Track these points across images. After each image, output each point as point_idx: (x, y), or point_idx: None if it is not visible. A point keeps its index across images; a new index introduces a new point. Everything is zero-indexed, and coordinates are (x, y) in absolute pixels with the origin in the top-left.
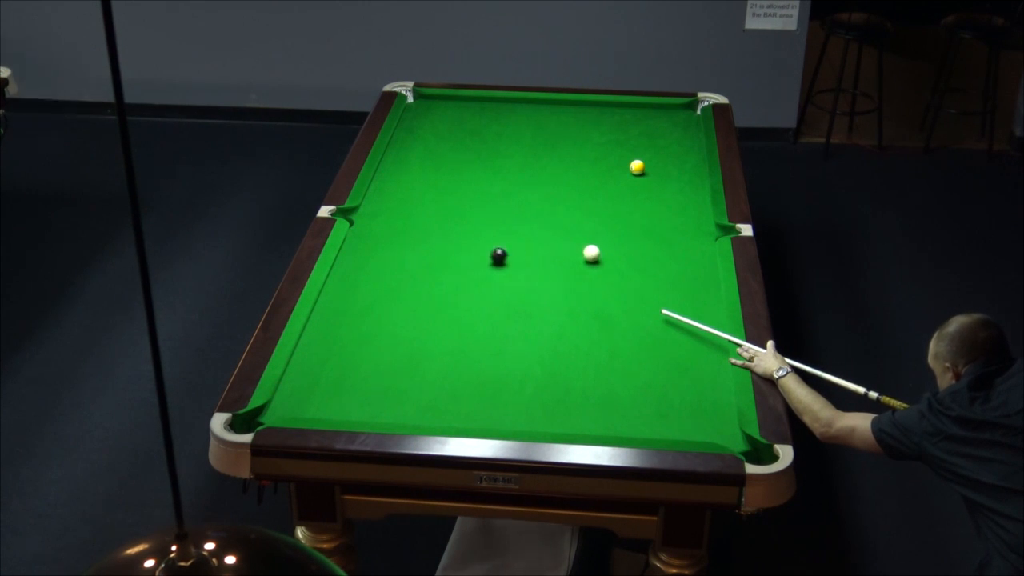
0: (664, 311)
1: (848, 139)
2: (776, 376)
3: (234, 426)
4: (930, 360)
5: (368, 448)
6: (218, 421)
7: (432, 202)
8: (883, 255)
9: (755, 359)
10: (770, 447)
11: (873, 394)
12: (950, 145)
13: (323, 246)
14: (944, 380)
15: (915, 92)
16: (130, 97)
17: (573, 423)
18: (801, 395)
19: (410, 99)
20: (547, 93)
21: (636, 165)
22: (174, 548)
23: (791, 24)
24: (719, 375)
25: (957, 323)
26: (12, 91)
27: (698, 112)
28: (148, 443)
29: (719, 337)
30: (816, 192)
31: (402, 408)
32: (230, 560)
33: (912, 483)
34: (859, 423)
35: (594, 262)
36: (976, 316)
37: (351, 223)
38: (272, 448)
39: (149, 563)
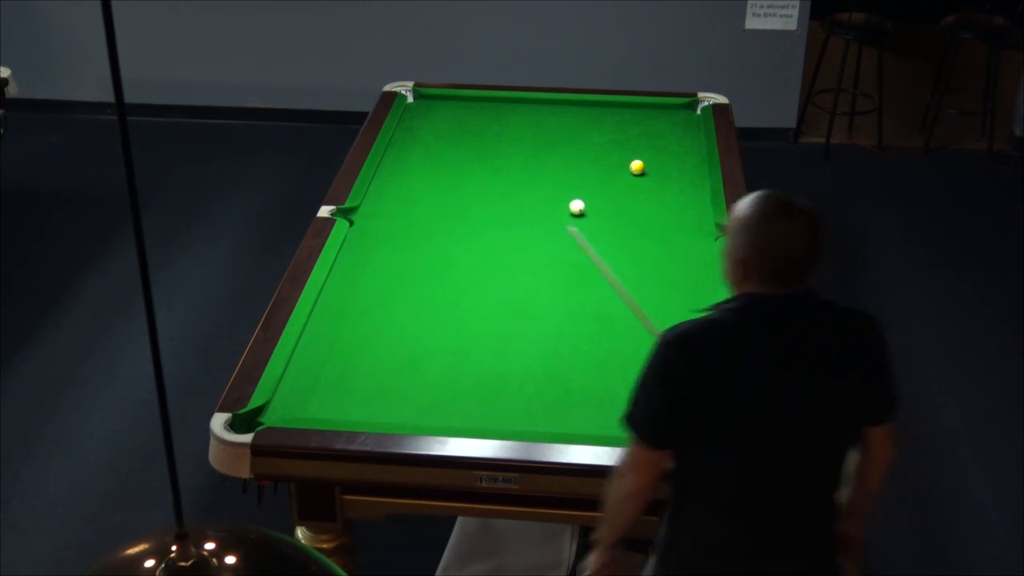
0: (568, 228)
1: (848, 139)
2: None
3: (234, 426)
4: None
5: (368, 448)
6: (218, 421)
7: (432, 202)
8: (883, 255)
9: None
10: None
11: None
12: (950, 145)
13: (323, 246)
14: None
15: (915, 92)
16: (130, 97)
17: (573, 423)
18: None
19: (410, 99)
20: (547, 93)
21: (636, 165)
22: (174, 548)
23: (791, 24)
24: None
25: None
26: (12, 91)
27: (698, 112)
28: (148, 443)
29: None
30: (816, 192)
31: (402, 408)
32: (230, 560)
33: (912, 483)
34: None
35: (579, 215)
36: None
37: (351, 223)
38: (272, 448)
39: (149, 563)
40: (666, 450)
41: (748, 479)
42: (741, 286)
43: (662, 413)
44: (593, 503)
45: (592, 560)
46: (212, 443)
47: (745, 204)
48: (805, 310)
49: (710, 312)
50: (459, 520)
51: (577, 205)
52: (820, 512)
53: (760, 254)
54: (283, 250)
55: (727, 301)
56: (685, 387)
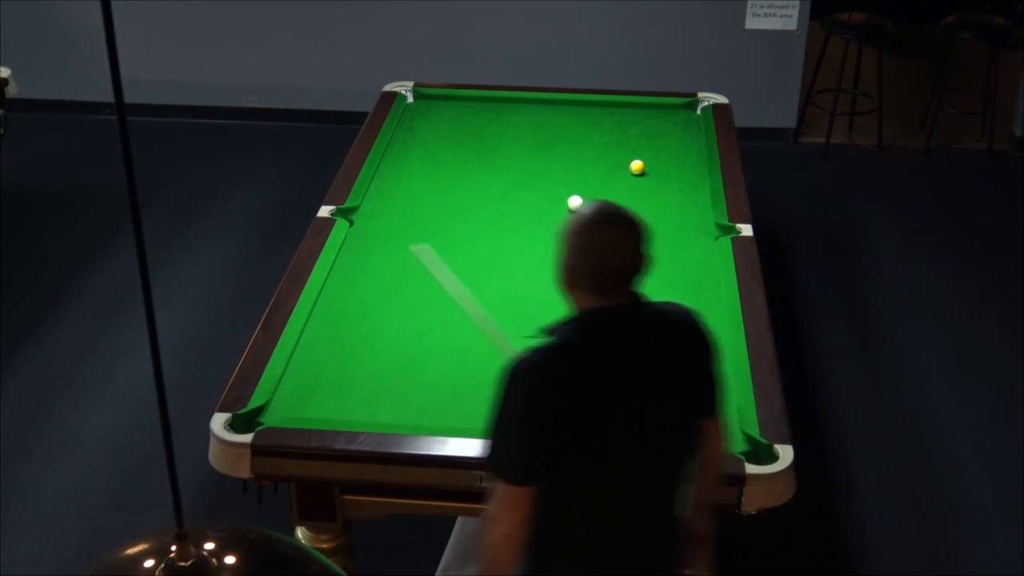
0: (413, 247)
1: (848, 139)
2: None
3: (234, 426)
4: None
5: (368, 448)
6: (218, 421)
7: (432, 202)
8: (883, 255)
9: None
10: (770, 447)
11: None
12: (950, 145)
13: (323, 246)
14: None
15: (915, 92)
16: (130, 97)
17: None
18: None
19: (410, 99)
20: (547, 93)
21: (636, 165)
22: (174, 548)
23: (791, 24)
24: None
25: None
26: (12, 91)
27: (698, 112)
28: (148, 443)
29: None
30: (816, 192)
31: (402, 408)
32: (230, 560)
33: (912, 483)
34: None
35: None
36: None
37: (351, 223)
38: (272, 448)
39: (149, 563)
40: (535, 486)
41: (614, 495)
42: (572, 293)
43: (526, 448)
44: None
45: None
46: (212, 443)
47: (578, 213)
48: (638, 319)
49: (551, 336)
50: (459, 520)
51: (575, 202)
52: (674, 512)
53: (586, 260)
54: (283, 250)
55: (566, 321)
56: (545, 417)
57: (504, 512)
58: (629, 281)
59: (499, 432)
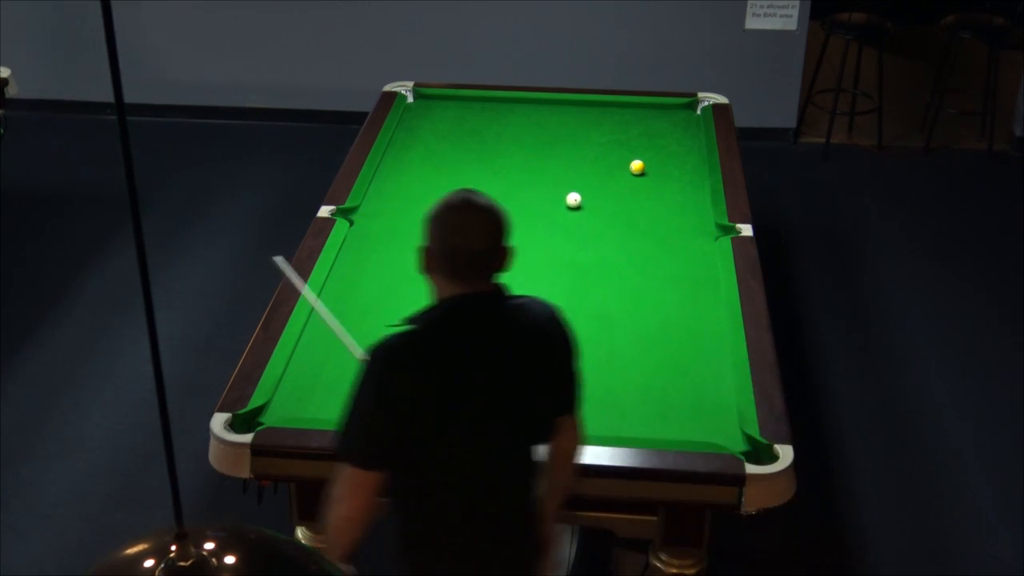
0: (273, 258)
1: (848, 139)
2: None
3: (234, 426)
4: None
5: None
6: (218, 421)
7: (432, 202)
8: (883, 255)
9: None
10: (770, 447)
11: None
12: (950, 145)
13: (323, 246)
14: None
15: (915, 92)
16: (130, 97)
17: None
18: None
19: (410, 99)
20: (547, 93)
21: (636, 165)
22: (174, 548)
23: (791, 24)
24: (719, 375)
25: None
26: (12, 91)
27: (698, 112)
28: (148, 443)
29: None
30: (816, 192)
31: None
32: (230, 560)
33: (912, 483)
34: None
35: (576, 208)
36: None
37: (351, 223)
38: (272, 448)
39: (149, 563)
40: (383, 471)
41: (461, 485)
42: (431, 277)
43: (378, 433)
44: (593, 503)
45: None
46: (212, 443)
47: (440, 200)
48: (495, 310)
49: (411, 324)
50: None
51: (574, 198)
52: (527, 503)
53: (440, 243)
54: (283, 250)
55: (426, 310)
56: (394, 404)
57: (348, 494)
58: (485, 270)
59: (350, 416)
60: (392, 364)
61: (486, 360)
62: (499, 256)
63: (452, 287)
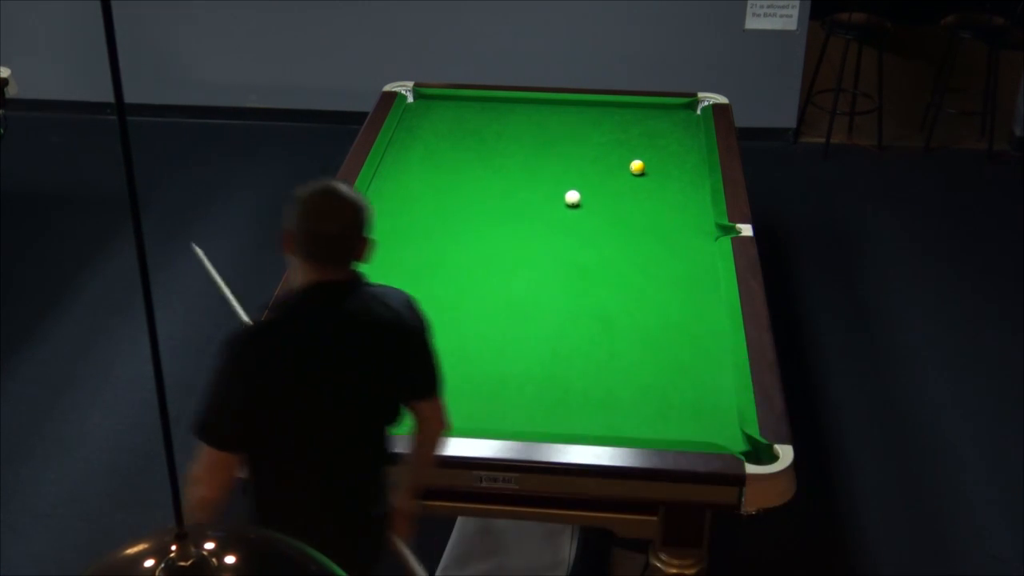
0: (192, 245)
1: (848, 139)
2: None
3: None
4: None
5: None
6: None
7: (432, 202)
8: (883, 255)
9: None
10: (770, 447)
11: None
12: (950, 145)
13: None
14: None
15: (915, 92)
16: (130, 97)
17: (573, 423)
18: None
19: (410, 99)
20: (547, 93)
21: (636, 165)
22: (174, 548)
23: (791, 24)
24: (719, 375)
25: None
26: (12, 91)
27: (698, 112)
28: (148, 443)
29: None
30: (816, 192)
31: None
32: (230, 560)
33: (912, 483)
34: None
35: (575, 206)
36: None
37: None
38: None
39: (149, 563)
40: (238, 451)
41: (313, 464)
42: (292, 261)
43: (233, 415)
44: (593, 503)
45: None
46: None
47: (304, 185)
48: (349, 297)
49: (271, 310)
50: (459, 520)
51: (573, 196)
52: (375, 484)
53: (298, 225)
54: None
55: (283, 297)
56: (249, 386)
57: (205, 475)
58: (341, 256)
59: (207, 398)
60: (244, 348)
61: (335, 346)
62: (355, 244)
63: (309, 272)
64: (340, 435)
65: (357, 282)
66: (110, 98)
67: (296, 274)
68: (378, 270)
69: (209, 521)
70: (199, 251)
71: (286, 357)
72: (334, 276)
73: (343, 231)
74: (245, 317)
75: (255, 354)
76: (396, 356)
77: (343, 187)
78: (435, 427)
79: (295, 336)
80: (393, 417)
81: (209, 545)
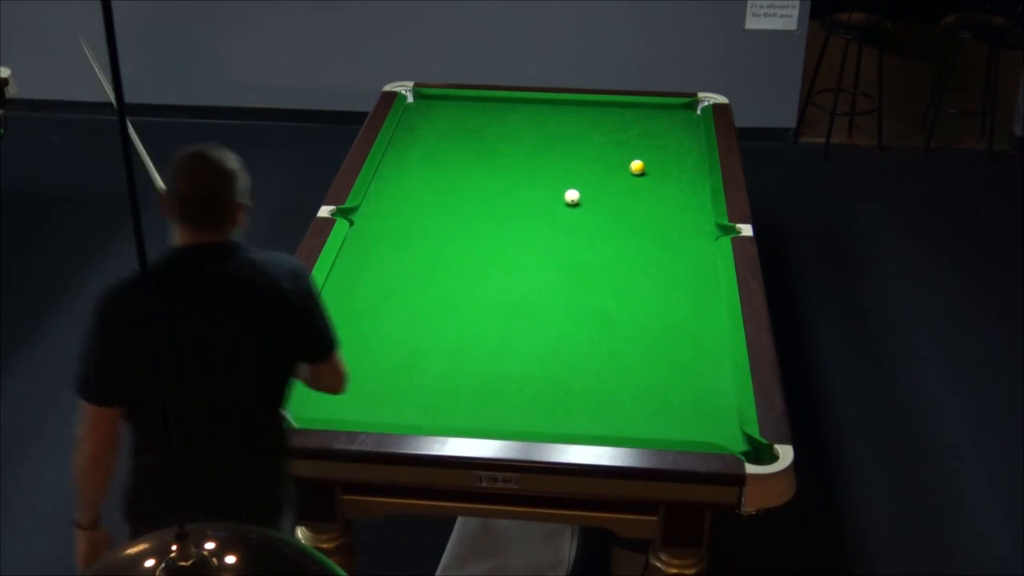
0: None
1: (848, 139)
2: None
3: None
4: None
5: (368, 448)
6: None
7: (432, 202)
8: (883, 255)
9: None
10: (770, 447)
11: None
12: (950, 145)
13: (323, 246)
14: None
15: (915, 92)
16: (130, 97)
17: (573, 423)
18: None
19: (410, 99)
20: (547, 93)
21: (636, 165)
22: (174, 548)
23: (791, 24)
24: (719, 375)
25: None
26: (12, 91)
27: (698, 112)
28: None
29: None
30: (816, 192)
31: (402, 408)
32: (230, 560)
33: (912, 483)
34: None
35: (575, 205)
36: None
37: (351, 223)
38: None
39: (149, 563)
40: (115, 406)
41: (189, 421)
42: (170, 223)
43: (105, 369)
44: (593, 503)
45: (78, 548)
46: None
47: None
48: (224, 261)
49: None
50: (459, 520)
51: (572, 195)
52: (259, 445)
53: (171, 185)
54: (283, 250)
55: (160, 256)
56: (121, 341)
57: (89, 432)
58: (211, 218)
59: (84, 352)
60: (108, 305)
61: (199, 309)
62: (226, 208)
63: (183, 234)
64: (211, 401)
65: (232, 247)
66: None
67: (175, 236)
68: (378, 271)
69: (103, 485)
70: (86, 47)
71: (147, 314)
72: (207, 239)
73: (211, 193)
74: (140, 148)
75: (119, 311)
76: (271, 323)
77: (215, 151)
78: (331, 385)
79: (160, 296)
80: (275, 385)
81: (209, 545)
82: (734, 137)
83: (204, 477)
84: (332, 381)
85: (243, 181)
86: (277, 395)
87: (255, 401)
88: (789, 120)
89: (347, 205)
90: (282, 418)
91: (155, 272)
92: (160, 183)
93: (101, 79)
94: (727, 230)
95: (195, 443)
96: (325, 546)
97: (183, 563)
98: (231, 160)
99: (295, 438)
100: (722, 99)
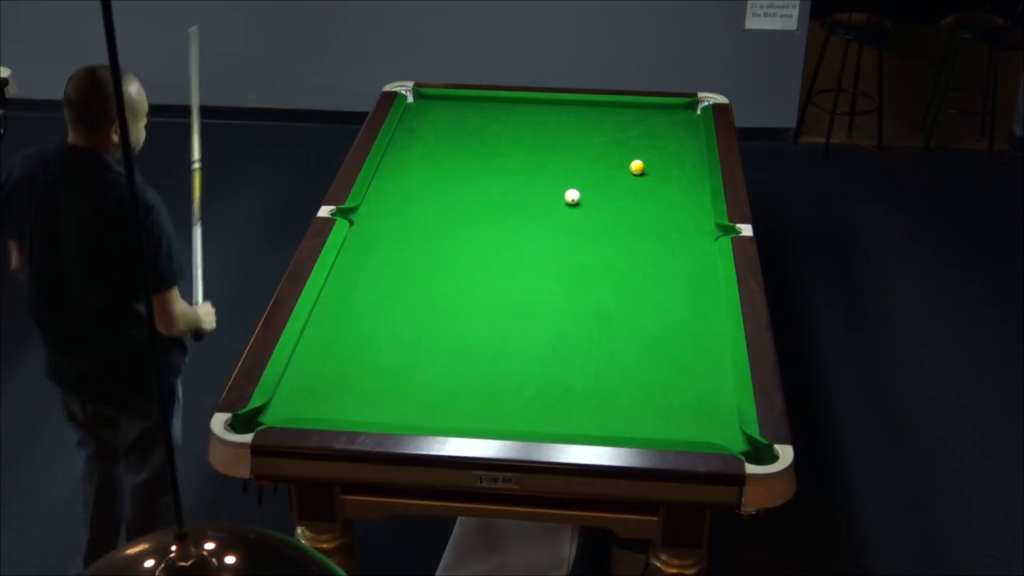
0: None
1: (848, 139)
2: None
3: (234, 426)
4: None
5: (368, 448)
6: (218, 421)
7: (432, 202)
8: (883, 255)
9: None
10: (770, 447)
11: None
12: (950, 145)
13: (323, 246)
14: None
15: (915, 92)
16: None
17: (573, 423)
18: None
19: (410, 99)
20: (547, 93)
21: (636, 165)
22: (174, 548)
23: (791, 24)
24: (719, 375)
25: None
26: (12, 91)
27: (698, 112)
28: None
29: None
30: (816, 192)
31: (402, 408)
32: (230, 560)
33: (912, 483)
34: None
35: (575, 205)
36: None
37: (351, 223)
38: (272, 448)
39: (149, 563)
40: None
41: (41, 298)
42: None
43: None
44: (593, 503)
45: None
46: (212, 443)
47: None
48: (83, 165)
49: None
50: (459, 520)
51: (572, 195)
52: (106, 322)
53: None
54: (283, 250)
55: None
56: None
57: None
58: (84, 124)
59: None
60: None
61: (47, 197)
62: (96, 117)
63: (69, 133)
64: (65, 276)
65: (98, 157)
66: None
67: None
68: (378, 271)
69: None
70: (193, 43)
71: (16, 185)
72: (78, 142)
73: (81, 100)
74: (196, 142)
75: (5, 176)
76: (104, 233)
77: (105, 69)
78: (157, 321)
79: (25, 171)
80: (119, 283)
81: (209, 545)
82: (734, 137)
83: (66, 342)
84: (157, 318)
85: (130, 102)
86: (121, 292)
87: (100, 288)
88: (789, 120)
89: (347, 205)
90: (135, 313)
91: (36, 150)
92: (197, 140)
93: (192, 77)
94: (727, 230)
95: (56, 310)
96: (325, 546)
97: (183, 563)
98: (124, 81)
99: (295, 438)
100: (722, 99)
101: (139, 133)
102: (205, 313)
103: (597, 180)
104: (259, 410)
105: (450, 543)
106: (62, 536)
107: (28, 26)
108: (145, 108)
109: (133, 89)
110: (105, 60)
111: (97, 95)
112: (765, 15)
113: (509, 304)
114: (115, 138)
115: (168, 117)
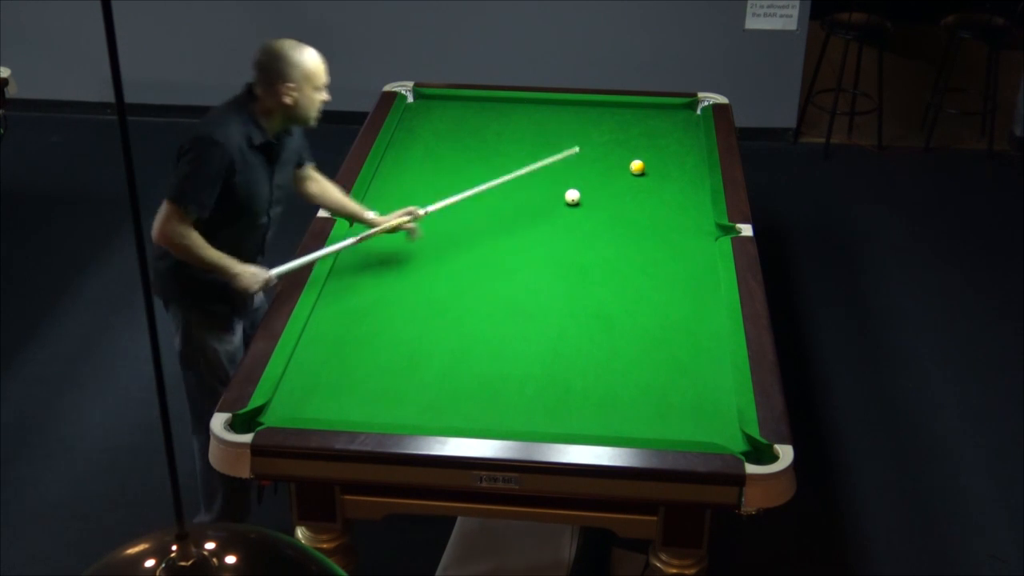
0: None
1: (848, 139)
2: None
3: (234, 426)
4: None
5: (368, 448)
6: (218, 421)
7: (432, 202)
8: (883, 255)
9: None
10: (770, 447)
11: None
12: (950, 145)
13: (323, 246)
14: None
15: (915, 92)
16: (130, 97)
17: (573, 423)
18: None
19: (410, 99)
20: (547, 93)
21: (636, 165)
22: (174, 548)
23: (791, 24)
24: (719, 375)
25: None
26: (12, 91)
27: (698, 112)
28: (148, 443)
29: None
30: (816, 192)
31: (402, 408)
32: (230, 560)
33: (912, 483)
34: None
35: (575, 205)
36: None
37: (351, 223)
38: (272, 448)
39: (149, 563)
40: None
41: None
42: None
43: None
44: (593, 503)
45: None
46: (212, 443)
47: None
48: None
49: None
50: (459, 520)
51: (572, 195)
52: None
53: None
54: (283, 250)
55: None
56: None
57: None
58: (256, 80)
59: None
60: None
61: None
62: (257, 76)
63: None
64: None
65: (234, 97)
66: (110, 98)
67: None
68: (378, 270)
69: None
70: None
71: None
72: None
73: (256, 61)
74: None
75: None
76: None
77: (278, 42)
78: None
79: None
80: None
81: (209, 545)
82: (734, 137)
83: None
84: (155, 221)
85: (270, 66)
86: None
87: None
88: (789, 120)
89: None
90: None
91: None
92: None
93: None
94: (727, 230)
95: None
96: (325, 546)
97: (183, 563)
98: (296, 50)
99: (295, 438)
100: (722, 99)
101: (311, 101)
102: (250, 274)
103: (597, 180)
104: (259, 410)
105: (450, 543)
106: (62, 536)
107: (28, 26)
108: (323, 79)
109: (307, 56)
110: (105, 60)
111: (268, 57)
112: (765, 15)
113: (509, 304)
114: (286, 99)
115: (168, 117)
